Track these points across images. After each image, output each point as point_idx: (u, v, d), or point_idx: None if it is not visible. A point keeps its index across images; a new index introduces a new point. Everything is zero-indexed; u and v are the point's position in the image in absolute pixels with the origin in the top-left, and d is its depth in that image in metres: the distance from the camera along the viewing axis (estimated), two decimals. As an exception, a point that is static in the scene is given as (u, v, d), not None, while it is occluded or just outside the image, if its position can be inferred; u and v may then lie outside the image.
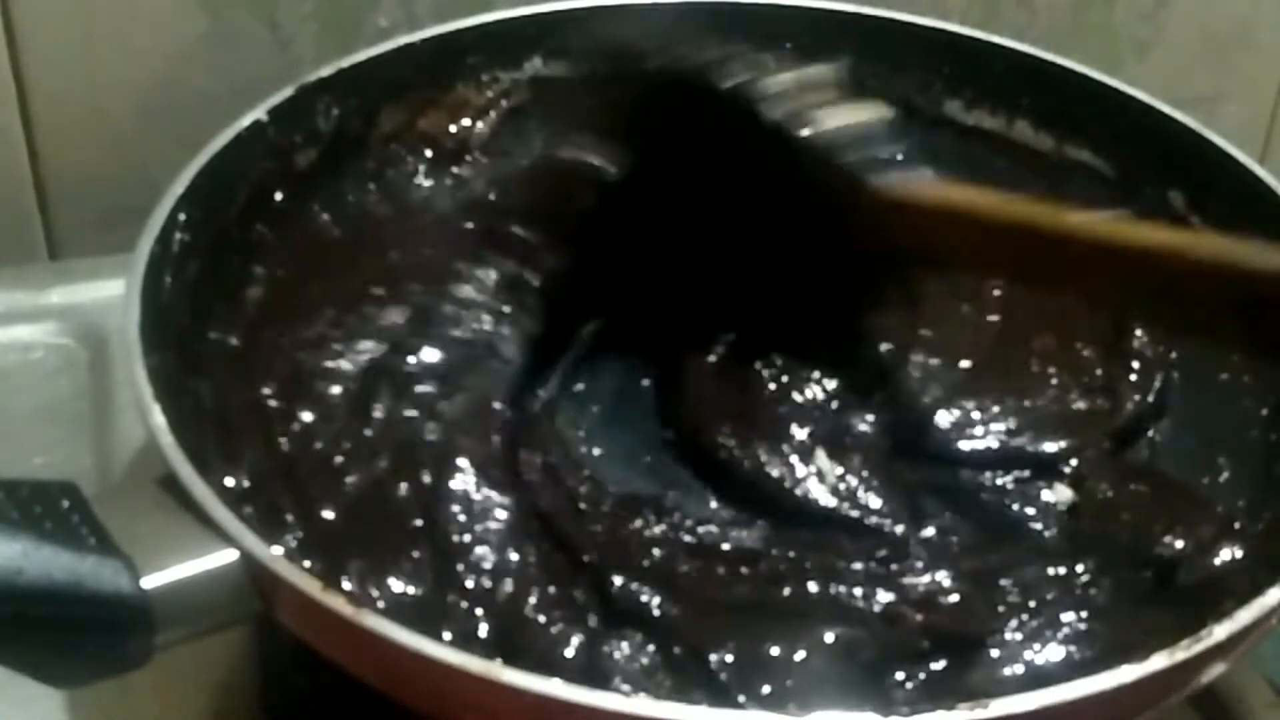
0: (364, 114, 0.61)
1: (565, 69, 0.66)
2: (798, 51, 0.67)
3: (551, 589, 0.46)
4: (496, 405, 0.52)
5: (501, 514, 0.48)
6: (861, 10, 0.67)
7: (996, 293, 0.58)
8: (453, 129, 0.64)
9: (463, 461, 0.49)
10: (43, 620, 0.39)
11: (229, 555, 0.41)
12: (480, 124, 0.64)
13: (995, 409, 0.54)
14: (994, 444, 0.54)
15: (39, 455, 0.58)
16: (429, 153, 0.63)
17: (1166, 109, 0.61)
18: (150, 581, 0.40)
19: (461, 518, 0.48)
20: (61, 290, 0.65)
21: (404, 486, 0.48)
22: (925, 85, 0.67)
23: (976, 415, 0.54)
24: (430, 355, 0.53)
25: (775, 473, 0.52)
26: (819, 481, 0.52)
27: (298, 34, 0.68)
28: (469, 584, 0.46)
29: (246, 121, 0.56)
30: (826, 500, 0.51)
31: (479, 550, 0.47)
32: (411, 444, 0.50)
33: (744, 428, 0.53)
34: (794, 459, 0.52)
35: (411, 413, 0.51)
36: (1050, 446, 0.54)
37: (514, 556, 0.47)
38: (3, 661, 0.40)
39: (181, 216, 0.52)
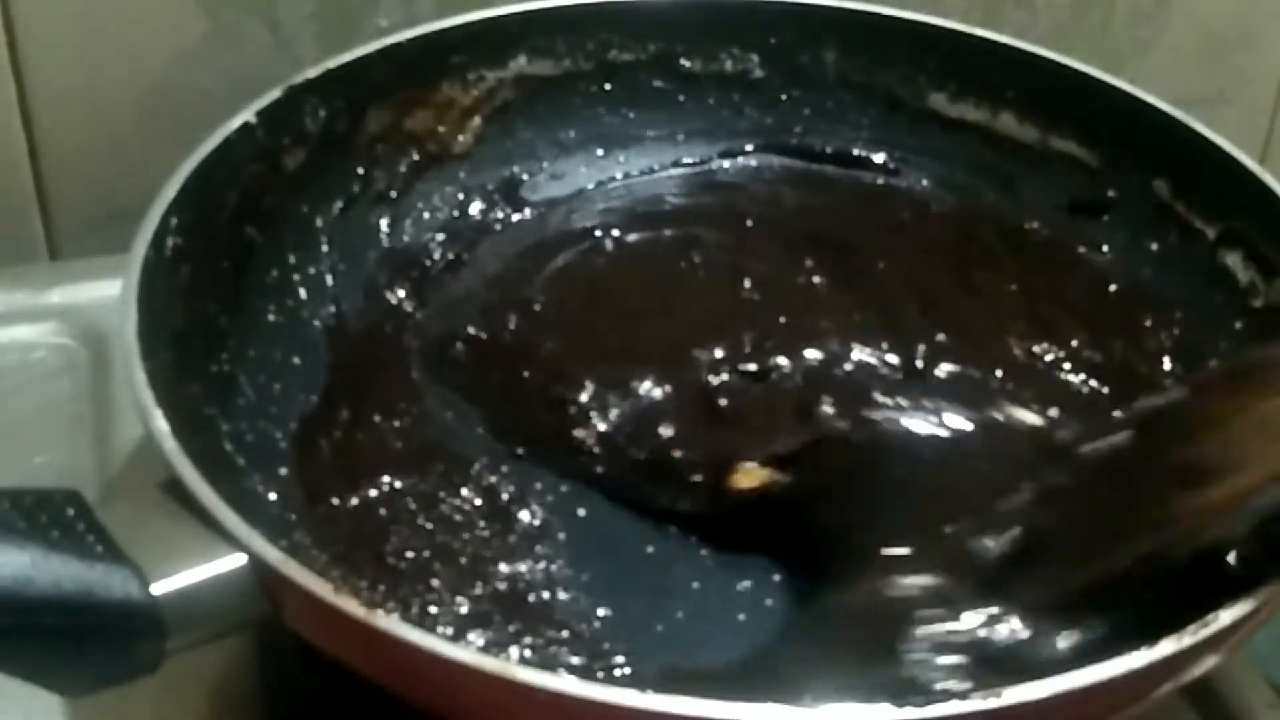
0: (351, 115, 0.61)
1: (550, 67, 0.66)
2: (782, 46, 0.68)
3: None
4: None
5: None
6: (844, 5, 0.67)
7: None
8: (440, 129, 0.64)
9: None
10: (52, 629, 0.39)
11: (237, 559, 0.41)
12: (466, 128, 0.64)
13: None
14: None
15: (39, 455, 0.57)
16: (416, 155, 0.63)
17: (1151, 99, 0.62)
18: (160, 587, 0.40)
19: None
20: (61, 290, 0.64)
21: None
22: (909, 79, 0.67)
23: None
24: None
25: None
26: None
27: (298, 34, 0.68)
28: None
29: (235, 124, 0.56)
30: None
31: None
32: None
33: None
34: None
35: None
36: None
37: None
38: (13, 671, 0.40)
39: (174, 221, 0.51)
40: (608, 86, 0.67)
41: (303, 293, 0.58)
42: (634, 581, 0.51)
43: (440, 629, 0.47)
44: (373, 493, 0.52)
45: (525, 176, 0.66)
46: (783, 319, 0.58)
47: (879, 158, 0.67)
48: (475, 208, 0.65)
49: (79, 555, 0.39)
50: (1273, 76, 0.86)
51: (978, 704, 0.38)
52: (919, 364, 0.56)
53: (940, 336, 0.57)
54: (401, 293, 0.60)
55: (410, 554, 0.50)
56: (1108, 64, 0.65)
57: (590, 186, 0.66)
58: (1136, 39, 0.81)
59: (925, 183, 0.67)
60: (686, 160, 0.68)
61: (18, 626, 0.38)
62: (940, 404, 0.53)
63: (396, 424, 0.55)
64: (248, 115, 0.56)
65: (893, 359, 0.56)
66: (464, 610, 0.48)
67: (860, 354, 0.56)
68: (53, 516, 0.40)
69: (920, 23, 0.67)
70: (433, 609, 0.48)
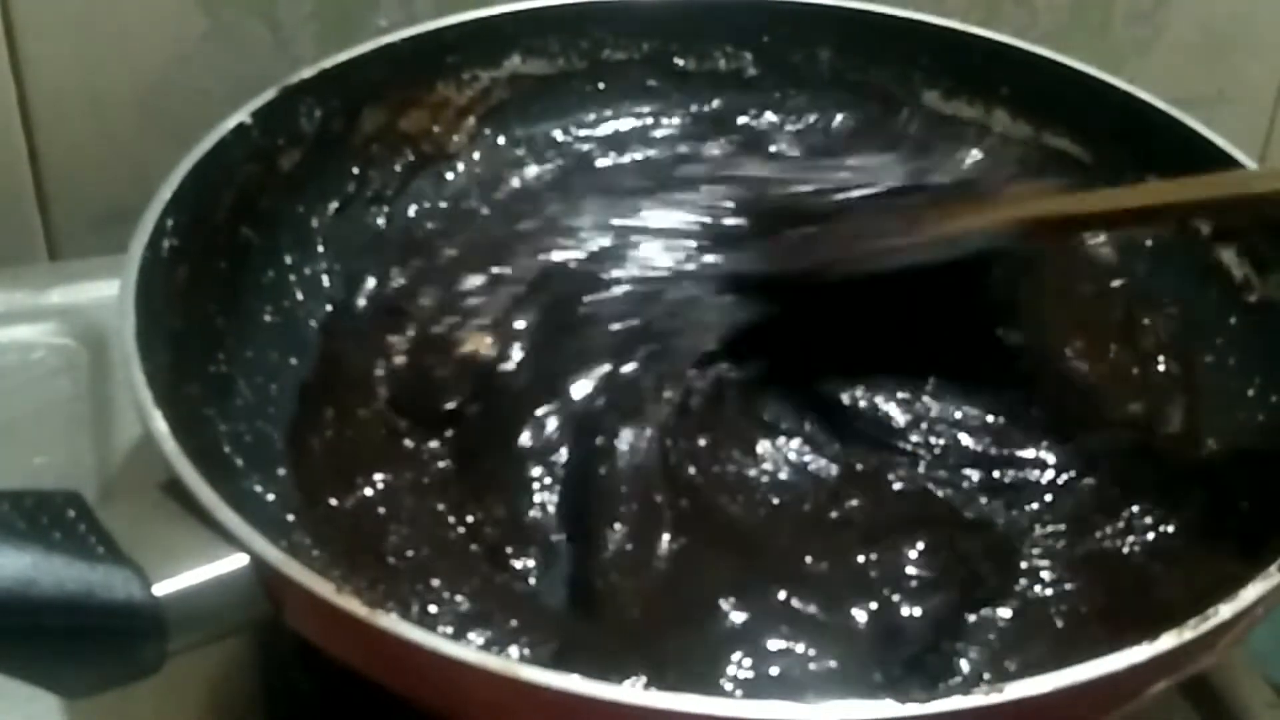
0: (346, 115, 0.61)
1: (544, 66, 0.66)
2: (775, 45, 0.68)
3: None
4: None
5: None
6: (839, 3, 0.67)
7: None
8: (435, 129, 0.63)
9: None
10: (54, 631, 0.39)
11: (239, 560, 0.41)
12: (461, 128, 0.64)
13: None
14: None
15: (39, 455, 0.57)
16: (411, 154, 0.63)
17: (1144, 95, 0.62)
18: (161, 589, 0.40)
19: None
20: (61, 290, 0.64)
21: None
22: (903, 76, 0.67)
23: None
24: None
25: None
26: None
27: (298, 34, 0.68)
28: None
29: (231, 125, 0.56)
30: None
31: None
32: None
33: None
34: None
35: None
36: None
37: None
38: (14, 672, 0.40)
39: (170, 222, 0.51)
40: (601, 85, 0.67)
41: (299, 293, 0.58)
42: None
43: (441, 628, 0.47)
44: (370, 491, 0.52)
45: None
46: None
47: (873, 155, 0.68)
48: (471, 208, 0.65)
49: (80, 556, 0.39)
50: (1273, 76, 0.86)
51: (979, 699, 0.38)
52: None
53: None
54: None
55: (409, 552, 0.50)
56: (1107, 63, 0.65)
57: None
58: (1136, 38, 0.81)
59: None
60: (682, 159, 0.68)
61: (20, 628, 0.38)
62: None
63: (393, 423, 0.55)
64: (243, 116, 0.56)
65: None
66: (464, 609, 0.48)
67: None
68: (54, 518, 0.40)
69: (913, 20, 0.67)
70: (433, 608, 0.48)
